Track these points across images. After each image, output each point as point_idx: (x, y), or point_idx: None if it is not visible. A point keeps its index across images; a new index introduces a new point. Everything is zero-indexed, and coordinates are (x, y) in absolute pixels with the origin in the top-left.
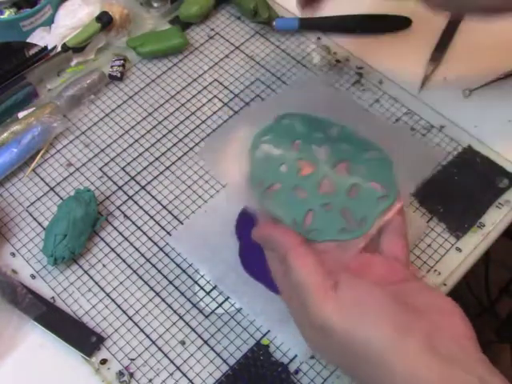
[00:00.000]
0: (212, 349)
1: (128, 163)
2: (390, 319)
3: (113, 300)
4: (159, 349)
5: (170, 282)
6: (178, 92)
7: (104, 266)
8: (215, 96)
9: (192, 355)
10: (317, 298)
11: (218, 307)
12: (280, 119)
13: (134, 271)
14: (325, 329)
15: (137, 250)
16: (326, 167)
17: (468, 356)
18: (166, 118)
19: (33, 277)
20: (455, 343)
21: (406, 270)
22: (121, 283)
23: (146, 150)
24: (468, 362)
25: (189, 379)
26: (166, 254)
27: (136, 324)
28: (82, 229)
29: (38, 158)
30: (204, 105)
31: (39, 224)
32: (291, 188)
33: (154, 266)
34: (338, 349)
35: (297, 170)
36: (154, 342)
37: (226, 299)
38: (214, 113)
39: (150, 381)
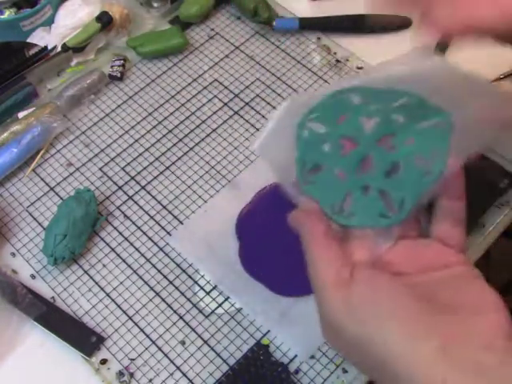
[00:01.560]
0: (212, 349)
1: (128, 163)
2: (404, 321)
3: (113, 300)
4: (159, 349)
5: (170, 282)
6: (178, 92)
7: (104, 266)
8: (215, 96)
9: (192, 355)
10: (326, 293)
11: (218, 307)
12: (336, 94)
13: (134, 271)
14: (334, 326)
15: (137, 250)
16: (370, 143)
17: (500, 366)
18: (166, 117)
19: (33, 277)
20: (486, 350)
21: (458, 254)
22: (121, 283)
23: (146, 149)
24: (497, 375)
25: (189, 379)
26: (166, 254)
27: (136, 324)
28: (82, 229)
29: (38, 158)
30: (204, 105)
31: (39, 224)
32: (332, 169)
33: (154, 266)
34: (349, 347)
35: (339, 148)
36: (154, 342)
37: (226, 299)
38: (214, 113)
39: (150, 381)
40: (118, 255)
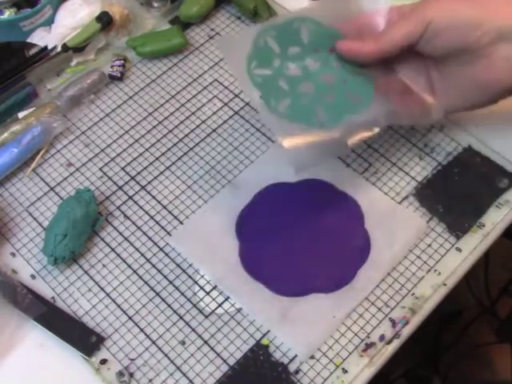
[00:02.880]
0: (212, 349)
1: (128, 163)
2: None
3: (113, 300)
4: (159, 349)
5: (170, 282)
6: (178, 92)
7: (104, 266)
8: (215, 96)
9: (192, 355)
10: None
11: (218, 307)
12: (293, 21)
13: (134, 271)
14: None
15: (137, 250)
16: (312, 75)
17: None
18: (166, 118)
19: (33, 277)
20: None
21: None
22: (121, 283)
23: (146, 149)
24: None
25: (189, 379)
26: (166, 254)
27: (136, 324)
28: (82, 229)
29: (38, 158)
30: (204, 105)
31: (39, 224)
32: (277, 78)
33: (153, 266)
34: None
35: (286, 67)
36: (154, 342)
37: (226, 299)
38: (214, 113)
39: (150, 381)
40: (117, 255)
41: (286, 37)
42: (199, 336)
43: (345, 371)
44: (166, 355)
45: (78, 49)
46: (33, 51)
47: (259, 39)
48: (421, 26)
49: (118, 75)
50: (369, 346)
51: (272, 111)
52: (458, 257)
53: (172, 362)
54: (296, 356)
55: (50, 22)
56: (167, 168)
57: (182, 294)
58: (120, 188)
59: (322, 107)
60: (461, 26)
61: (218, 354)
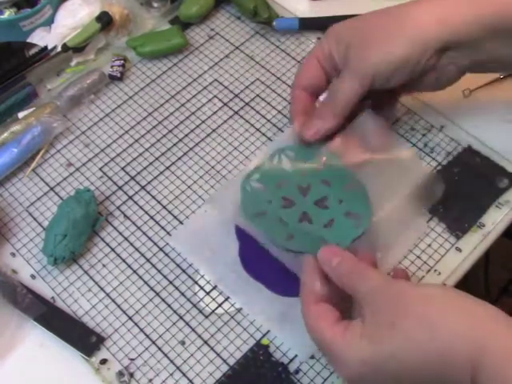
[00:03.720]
0: (212, 349)
1: (128, 163)
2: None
3: (113, 300)
4: (159, 349)
5: (170, 282)
6: (178, 92)
7: (104, 265)
8: (215, 96)
9: (192, 355)
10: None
11: (218, 307)
12: (274, 154)
13: (134, 271)
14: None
15: (137, 250)
16: (308, 204)
17: None
18: (166, 117)
19: (33, 277)
20: None
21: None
22: (121, 283)
23: (146, 150)
24: None
25: (189, 379)
26: (166, 254)
27: (136, 324)
28: (82, 229)
29: (38, 158)
30: (204, 105)
31: (39, 224)
32: (275, 216)
33: (153, 266)
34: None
35: (281, 203)
36: (153, 342)
37: (226, 299)
38: (214, 113)
39: (150, 381)
40: (117, 255)
41: (270, 174)
42: (199, 336)
43: None
44: (165, 355)
45: (78, 49)
46: (33, 51)
47: (245, 186)
48: (367, 82)
49: (118, 75)
50: None
51: (282, 246)
52: (458, 257)
53: (172, 361)
54: (296, 356)
55: (49, 22)
56: (167, 168)
57: (182, 294)
58: (120, 188)
59: (326, 236)
60: (401, 62)
61: (218, 354)
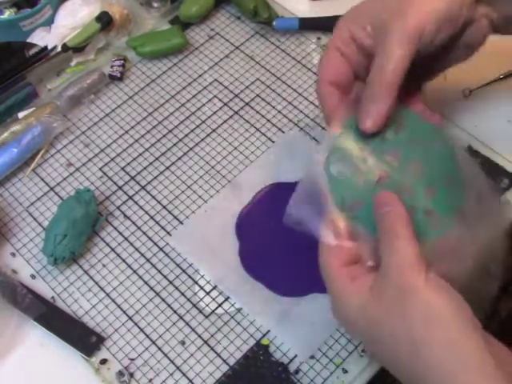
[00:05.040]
0: (212, 349)
1: (128, 163)
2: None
3: (113, 300)
4: (159, 349)
5: (170, 282)
6: (178, 92)
7: (104, 265)
8: (215, 96)
9: (192, 355)
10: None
11: (218, 307)
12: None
13: (134, 271)
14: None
15: (137, 250)
16: (400, 173)
17: None
18: (166, 117)
19: (33, 277)
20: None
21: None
22: (121, 283)
23: (146, 149)
24: None
25: (189, 379)
26: (166, 254)
27: (136, 324)
28: (82, 229)
29: (38, 158)
30: (204, 105)
31: (39, 224)
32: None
33: (153, 266)
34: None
35: (373, 181)
36: (153, 342)
37: (226, 299)
38: (214, 113)
39: (150, 381)
40: (117, 255)
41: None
42: (199, 336)
43: (345, 371)
44: (165, 355)
45: (78, 49)
46: (33, 51)
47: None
48: (415, 41)
49: (118, 75)
50: None
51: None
52: None
53: (172, 361)
54: (296, 356)
55: (49, 22)
56: (167, 168)
57: (182, 294)
58: (120, 188)
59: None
60: (444, 15)
61: (218, 354)
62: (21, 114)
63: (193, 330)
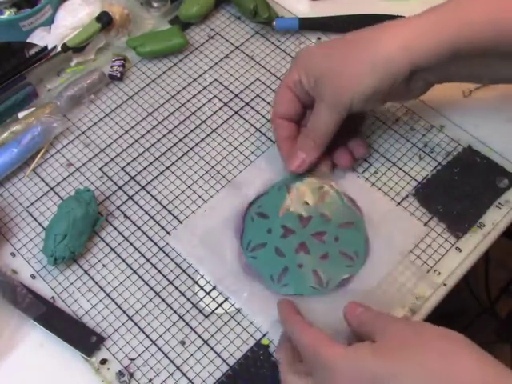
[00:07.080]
0: (212, 349)
1: (128, 163)
2: None
3: (113, 300)
4: (159, 349)
5: (170, 282)
6: (178, 92)
7: (104, 265)
8: (215, 96)
9: (192, 355)
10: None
11: (218, 307)
12: (272, 188)
13: (134, 271)
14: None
15: (137, 249)
16: (306, 234)
17: None
18: (166, 117)
19: (33, 277)
20: None
21: None
22: (121, 283)
23: (146, 150)
24: None
25: (189, 379)
26: (166, 254)
27: (136, 324)
28: (82, 229)
29: (38, 158)
30: (204, 105)
31: (39, 224)
32: (273, 248)
33: (154, 266)
34: None
35: (280, 233)
36: (154, 342)
37: (226, 299)
38: (214, 113)
39: (150, 381)
40: (117, 255)
41: (272, 203)
42: (199, 336)
43: None
44: (165, 355)
45: (78, 49)
46: (33, 51)
47: (249, 216)
48: (344, 113)
49: (118, 75)
50: None
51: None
52: (458, 257)
53: (172, 361)
54: None
55: (49, 22)
56: (167, 168)
57: (182, 294)
58: (120, 188)
59: (320, 268)
60: (374, 92)
61: (218, 354)
62: (21, 114)
63: (193, 330)
